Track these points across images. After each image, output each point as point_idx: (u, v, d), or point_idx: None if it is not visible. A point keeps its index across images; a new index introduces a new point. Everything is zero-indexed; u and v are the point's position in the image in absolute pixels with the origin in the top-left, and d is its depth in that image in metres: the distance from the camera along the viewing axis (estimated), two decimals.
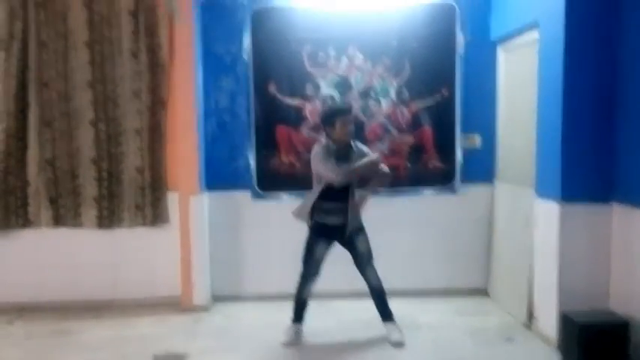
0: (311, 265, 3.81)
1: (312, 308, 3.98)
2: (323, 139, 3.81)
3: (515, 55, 4.37)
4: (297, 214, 3.86)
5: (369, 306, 3.94)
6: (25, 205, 4.52)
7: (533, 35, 3.91)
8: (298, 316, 3.90)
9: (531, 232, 3.91)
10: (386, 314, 3.88)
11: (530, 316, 3.96)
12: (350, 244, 3.82)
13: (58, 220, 4.56)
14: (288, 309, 3.95)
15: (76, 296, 4.58)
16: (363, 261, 3.84)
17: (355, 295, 4.36)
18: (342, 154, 3.69)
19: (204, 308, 4.51)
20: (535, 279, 3.89)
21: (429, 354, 3.66)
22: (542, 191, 3.74)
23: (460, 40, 4.58)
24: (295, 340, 3.83)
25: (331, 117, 3.69)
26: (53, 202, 4.55)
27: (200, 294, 4.53)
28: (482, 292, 4.77)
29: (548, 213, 3.65)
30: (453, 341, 3.86)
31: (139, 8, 4.40)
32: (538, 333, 3.83)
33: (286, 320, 3.94)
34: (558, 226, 3.55)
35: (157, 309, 4.49)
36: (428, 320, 4.23)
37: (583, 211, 3.53)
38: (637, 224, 3.26)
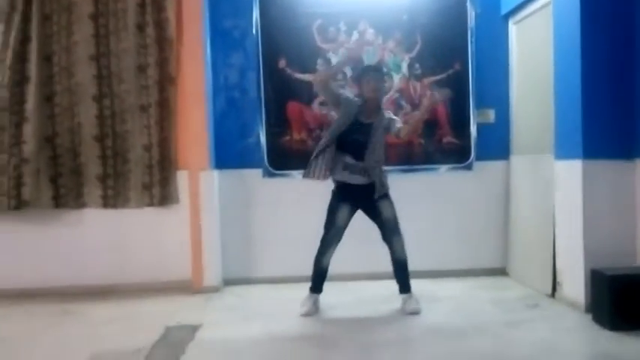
0: (331, 231, 3.88)
1: (328, 289, 4.02)
2: None
3: (526, 26, 4.58)
4: (311, 172, 3.86)
5: (388, 285, 4.04)
6: (19, 185, 4.47)
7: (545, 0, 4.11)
8: (317, 285, 3.95)
9: (552, 197, 4.02)
10: (405, 286, 3.95)
11: (554, 284, 4.03)
12: (374, 211, 3.88)
13: (58, 201, 4.58)
14: (303, 290, 3.99)
15: (79, 281, 4.59)
16: (389, 228, 3.88)
17: (372, 276, 4.55)
18: (369, 112, 3.83)
19: (215, 289, 4.55)
20: (558, 244, 3.99)
21: (452, 319, 3.73)
22: (562, 152, 3.88)
23: (471, 13, 4.77)
24: (313, 311, 3.87)
25: (359, 75, 3.94)
26: (53, 181, 4.57)
27: (211, 275, 4.58)
28: (500, 271, 4.87)
29: (570, 173, 3.78)
30: (476, 309, 3.95)
31: None
32: (564, 299, 3.91)
33: (302, 298, 3.97)
34: (581, 184, 3.68)
35: (166, 291, 4.50)
36: (447, 294, 4.32)
37: (606, 167, 3.67)
38: None
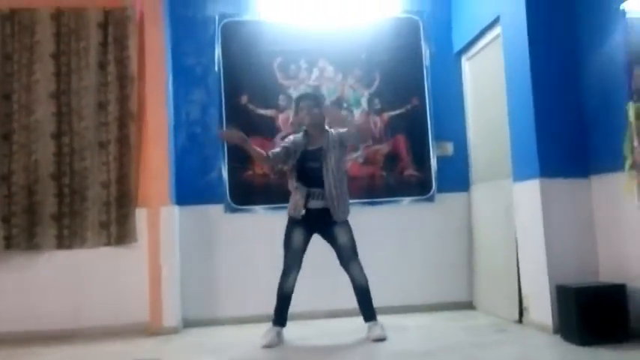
0: (289, 255, 3.80)
1: (291, 325, 3.89)
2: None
3: (478, 61, 4.78)
4: (293, 212, 3.84)
5: (353, 320, 3.96)
6: None
7: (495, 32, 4.33)
8: (279, 316, 3.81)
9: (513, 221, 4.04)
10: (369, 314, 3.83)
11: (521, 309, 3.99)
12: (331, 236, 3.82)
13: (10, 241, 4.37)
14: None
15: (32, 326, 4.32)
16: (345, 255, 3.82)
17: (337, 313, 4.49)
18: (314, 138, 3.87)
19: (174, 330, 4.33)
20: (522, 268, 3.98)
21: (420, 343, 3.63)
22: (520, 174, 3.95)
23: (426, 52, 4.94)
24: (275, 342, 3.71)
25: (295, 105, 4.03)
26: (6, 221, 4.38)
27: (170, 316, 4.36)
28: (467, 305, 4.78)
29: (529, 193, 3.82)
30: (444, 334, 3.87)
31: (108, 21, 4.58)
32: (531, 324, 3.86)
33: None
34: (540, 203, 3.72)
35: (123, 334, 4.25)
36: (414, 324, 4.22)
37: (563, 185, 3.73)
38: (615, 187, 3.46)
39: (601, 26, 3.60)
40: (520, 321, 3.99)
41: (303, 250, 3.82)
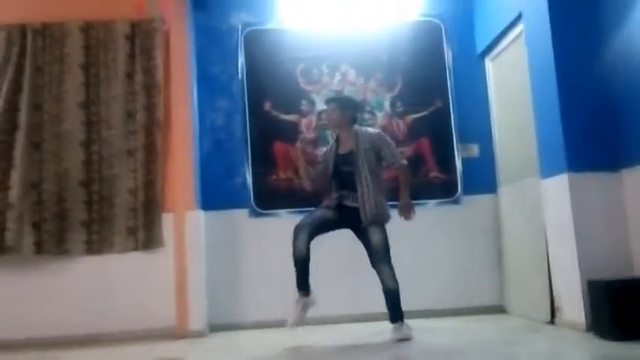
0: (303, 219, 3.78)
1: (317, 330, 3.89)
2: None
3: (501, 61, 4.74)
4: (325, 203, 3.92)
5: (382, 324, 3.88)
6: (2, 230, 4.36)
7: (517, 30, 4.28)
8: (299, 282, 3.74)
9: (542, 219, 3.95)
10: (395, 316, 3.75)
11: (553, 310, 3.87)
12: (364, 236, 3.79)
13: (40, 247, 4.45)
14: (294, 335, 3.84)
15: (61, 330, 4.34)
16: (377, 256, 3.76)
17: (364, 317, 4.42)
18: (342, 142, 3.91)
19: (200, 334, 4.33)
20: (553, 266, 3.88)
21: (450, 342, 3.56)
22: (548, 170, 3.87)
23: (448, 54, 4.92)
24: (299, 322, 3.69)
25: None
26: (36, 227, 4.47)
27: (196, 319, 4.37)
28: (498, 309, 4.67)
29: (557, 188, 3.74)
30: (475, 334, 3.79)
31: (135, 33, 4.70)
32: (564, 323, 3.75)
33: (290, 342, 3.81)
34: (569, 198, 3.63)
35: (150, 338, 4.27)
36: (444, 326, 4.14)
37: (592, 179, 3.64)
38: None
39: (625, 16, 3.54)
40: (552, 322, 3.87)
41: (321, 223, 3.77)
